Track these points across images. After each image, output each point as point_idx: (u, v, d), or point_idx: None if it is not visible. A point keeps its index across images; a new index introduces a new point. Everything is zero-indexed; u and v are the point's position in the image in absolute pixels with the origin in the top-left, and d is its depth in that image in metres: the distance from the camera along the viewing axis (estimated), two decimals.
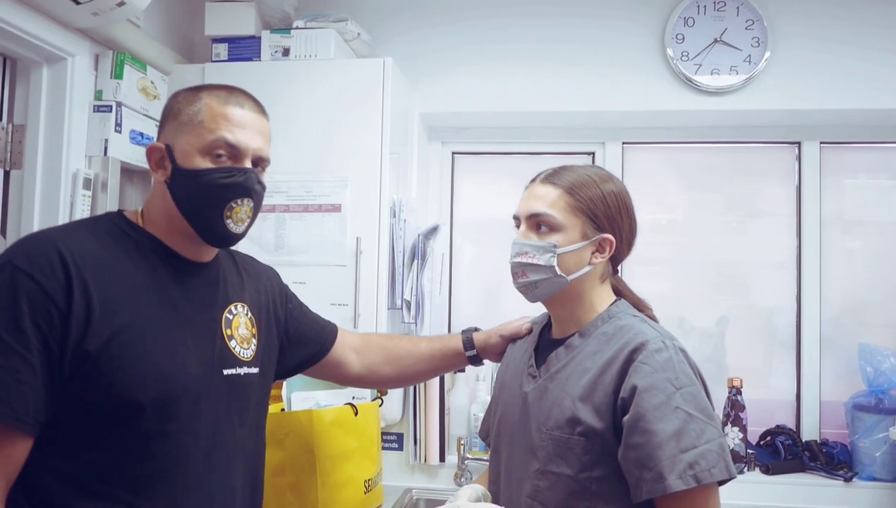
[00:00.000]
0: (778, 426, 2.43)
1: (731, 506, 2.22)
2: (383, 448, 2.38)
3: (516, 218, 1.39)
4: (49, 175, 1.86)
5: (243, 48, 2.23)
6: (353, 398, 2.05)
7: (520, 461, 1.35)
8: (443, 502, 2.29)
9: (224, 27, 2.23)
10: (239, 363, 1.29)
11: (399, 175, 2.28)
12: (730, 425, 2.30)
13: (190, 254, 1.25)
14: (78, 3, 1.71)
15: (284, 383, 2.01)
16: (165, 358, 1.15)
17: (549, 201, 1.32)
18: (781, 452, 2.34)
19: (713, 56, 2.34)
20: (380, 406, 2.13)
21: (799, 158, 2.52)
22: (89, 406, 1.08)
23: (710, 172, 2.58)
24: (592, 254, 1.33)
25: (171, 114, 1.22)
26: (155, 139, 1.26)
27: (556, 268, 1.30)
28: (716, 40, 2.34)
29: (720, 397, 2.39)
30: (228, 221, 1.20)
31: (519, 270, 1.35)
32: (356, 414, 1.96)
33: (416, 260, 2.17)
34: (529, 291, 1.36)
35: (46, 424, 1.07)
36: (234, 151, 1.19)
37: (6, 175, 1.87)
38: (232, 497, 1.26)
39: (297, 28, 2.20)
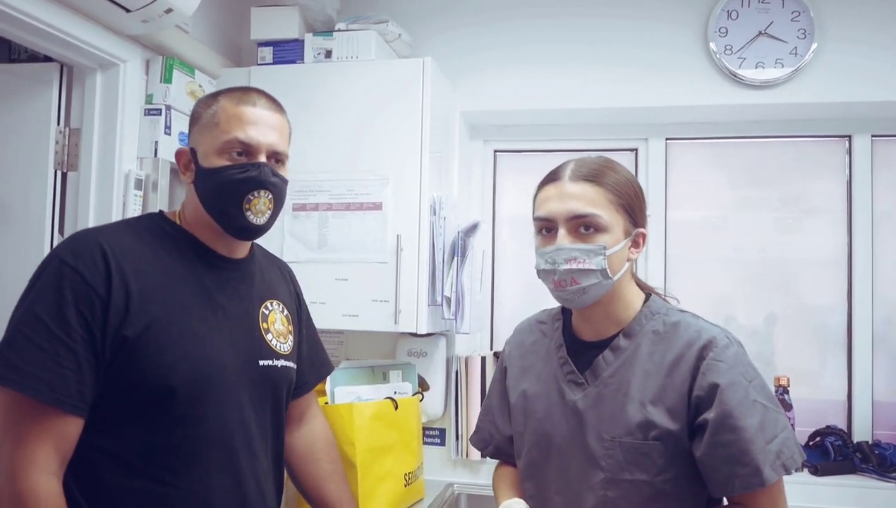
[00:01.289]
0: (828, 426, 2.37)
1: None
2: (425, 443, 2.40)
3: (548, 220, 1.28)
4: (103, 176, 1.94)
5: (287, 51, 2.28)
6: (395, 392, 2.09)
7: (576, 473, 1.29)
8: (488, 498, 2.31)
9: (269, 31, 2.29)
10: (276, 355, 1.37)
11: (441, 173, 2.31)
12: None
13: (223, 249, 1.34)
14: (128, 11, 1.79)
15: (329, 377, 2.05)
16: (199, 345, 1.23)
17: (590, 200, 1.25)
18: (831, 453, 2.29)
19: (757, 49, 2.30)
20: (420, 401, 2.16)
21: (849, 152, 2.45)
22: (128, 388, 1.16)
23: (757, 168, 2.53)
24: (629, 250, 1.29)
25: (194, 119, 1.32)
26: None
27: (608, 271, 1.24)
28: (760, 33, 2.30)
29: None
30: (248, 213, 1.29)
31: (567, 278, 1.24)
32: (396, 408, 2.00)
33: (456, 257, 2.19)
34: (576, 298, 1.27)
35: (94, 405, 1.15)
36: (248, 148, 1.28)
37: (63, 176, 1.96)
38: (261, 481, 1.32)
39: (339, 30, 2.24)
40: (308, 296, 2.13)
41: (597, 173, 1.28)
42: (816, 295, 2.48)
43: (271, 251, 2.18)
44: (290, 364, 1.42)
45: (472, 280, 2.23)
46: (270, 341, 1.37)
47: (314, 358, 1.60)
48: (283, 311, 1.44)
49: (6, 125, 1.95)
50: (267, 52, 2.30)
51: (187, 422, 1.20)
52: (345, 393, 2.04)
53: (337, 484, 1.59)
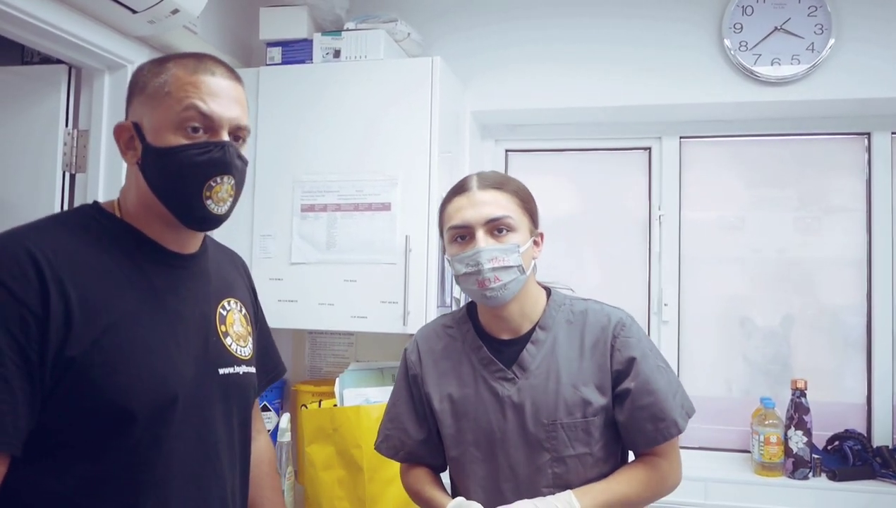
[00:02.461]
0: (847, 430, 2.32)
1: None
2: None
3: (465, 227, 1.38)
4: (111, 178, 1.94)
5: (296, 51, 2.27)
6: None
7: (522, 459, 1.39)
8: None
9: (278, 31, 2.28)
10: (237, 361, 1.21)
11: (451, 174, 2.28)
12: (793, 428, 2.22)
13: (173, 244, 1.14)
14: (134, 12, 1.78)
15: (337, 379, 2.04)
16: (156, 359, 1.06)
17: (501, 204, 1.39)
18: (850, 458, 2.24)
19: (773, 45, 2.26)
20: None
21: (868, 150, 2.40)
22: (77, 416, 0.99)
23: (773, 167, 2.49)
24: (533, 249, 1.44)
25: (137, 89, 1.10)
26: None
27: (522, 267, 1.38)
28: (776, 28, 2.25)
29: (784, 399, 2.31)
30: (209, 201, 1.09)
31: (492, 276, 1.36)
32: None
33: None
34: (499, 294, 1.37)
35: (31, 440, 0.98)
36: (209, 123, 1.08)
37: (72, 178, 1.96)
38: (227, 503, 1.19)
39: (347, 30, 2.23)
40: (316, 298, 2.15)
41: (500, 181, 1.43)
42: (834, 296, 2.43)
43: (279, 253, 2.19)
44: (252, 369, 1.25)
45: None
46: (230, 346, 1.19)
47: (265, 359, 1.40)
48: (241, 310, 1.26)
49: (15, 127, 1.95)
50: (276, 53, 2.29)
51: (143, 449, 1.03)
52: (353, 394, 2.03)
53: None
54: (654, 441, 1.37)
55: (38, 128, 1.94)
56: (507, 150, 2.66)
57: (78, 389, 0.98)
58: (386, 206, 2.12)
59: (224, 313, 1.22)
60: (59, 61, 1.92)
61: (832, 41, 2.22)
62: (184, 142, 1.06)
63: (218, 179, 1.10)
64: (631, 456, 1.47)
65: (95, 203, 1.16)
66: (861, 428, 2.35)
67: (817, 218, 2.45)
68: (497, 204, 1.39)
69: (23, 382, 0.95)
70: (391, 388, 2.08)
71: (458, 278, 1.41)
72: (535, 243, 1.45)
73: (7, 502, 0.98)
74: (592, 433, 1.38)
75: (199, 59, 1.11)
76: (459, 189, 1.43)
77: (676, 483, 1.43)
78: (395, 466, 1.93)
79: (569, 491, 1.33)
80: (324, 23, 2.33)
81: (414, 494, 1.52)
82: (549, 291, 1.50)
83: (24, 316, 0.95)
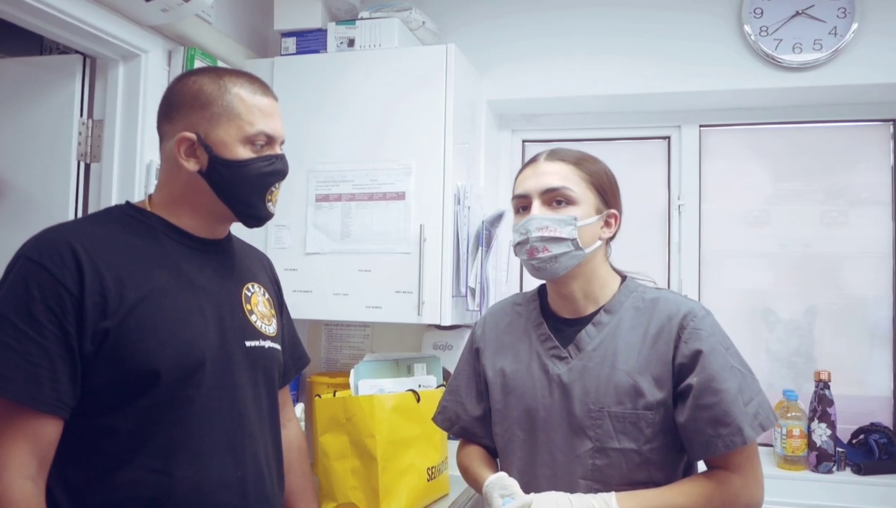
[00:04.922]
0: (872, 423, 2.27)
1: (821, 507, 2.10)
2: (451, 438, 2.36)
3: (523, 197, 1.38)
4: (125, 167, 1.94)
5: (310, 41, 2.27)
6: (419, 385, 2.05)
7: (563, 444, 1.34)
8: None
9: (292, 21, 2.28)
10: (262, 336, 1.33)
11: (467, 165, 2.27)
12: (816, 420, 2.17)
13: (197, 230, 1.29)
14: (147, 1, 1.78)
15: (352, 370, 2.03)
16: (182, 328, 1.19)
17: (563, 175, 1.35)
18: (876, 451, 2.18)
19: (795, 30, 2.21)
20: None
21: (894, 137, 2.34)
22: (114, 378, 1.13)
23: (795, 154, 2.43)
24: (601, 228, 1.38)
25: (198, 104, 1.24)
26: (160, 127, 1.29)
27: (578, 241, 1.33)
28: (797, 13, 2.21)
29: (807, 391, 2.26)
30: (269, 204, 1.30)
31: (540, 245, 1.33)
32: (418, 400, 1.96)
33: (480, 248, 2.14)
34: (548, 266, 1.34)
35: (82, 402, 1.12)
36: (270, 140, 1.28)
37: (87, 168, 1.96)
38: (261, 466, 1.29)
39: (362, 18, 2.22)
40: (331, 288, 2.14)
41: (571, 155, 1.39)
42: (860, 287, 2.37)
43: (294, 243, 2.19)
44: (277, 346, 1.39)
45: (497, 271, 2.18)
46: (255, 322, 1.33)
47: (294, 349, 1.55)
48: (264, 295, 1.41)
49: (31, 117, 1.96)
50: (290, 43, 2.29)
51: (175, 407, 1.17)
52: (368, 385, 2.01)
53: (307, 504, 1.52)
54: (714, 449, 1.25)
55: (53, 118, 1.94)
56: (523, 141, 2.63)
57: (113, 355, 1.12)
58: (400, 196, 2.10)
59: (249, 294, 1.35)
60: (74, 51, 1.93)
61: (855, 25, 2.16)
62: (253, 156, 1.25)
63: (277, 185, 1.31)
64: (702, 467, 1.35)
65: (128, 202, 1.31)
66: (887, 422, 2.29)
67: (842, 209, 2.39)
68: (558, 175, 1.35)
69: (62, 350, 1.09)
70: (406, 379, 2.09)
71: (514, 248, 1.39)
72: (607, 223, 1.39)
73: (63, 460, 1.12)
74: (642, 428, 1.29)
75: (251, 79, 1.29)
76: (530, 161, 1.43)
77: (751, 506, 1.28)
78: (410, 457, 1.92)
79: (612, 494, 1.26)
80: (338, 12, 2.32)
81: (463, 470, 1.52)
82: (624, 278, 1.44)
83: (60, 293, 1.10)
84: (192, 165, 1.24)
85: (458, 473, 2.29)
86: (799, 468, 2.19)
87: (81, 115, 1.95)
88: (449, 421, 1.54)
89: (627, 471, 1.29)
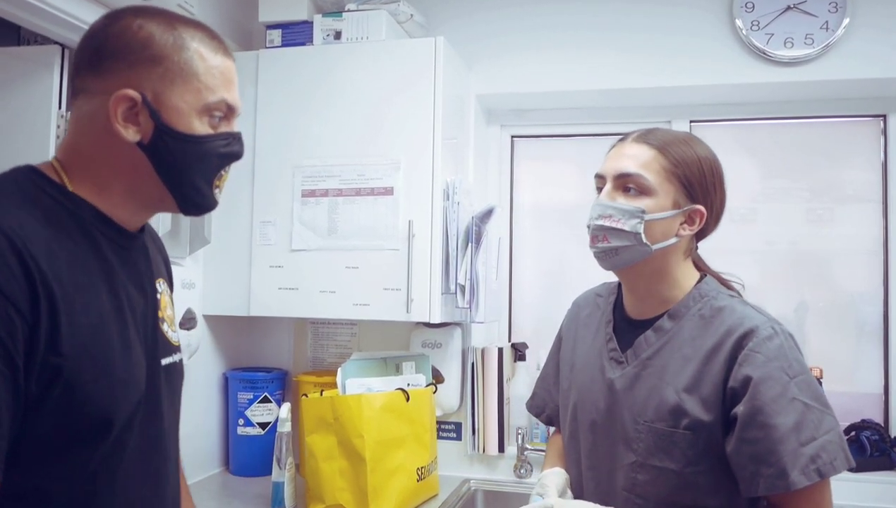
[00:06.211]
0: (864, 420, 2.25)
1: None
2: (440, 438, 2.33)
3: (600, 177, 1.28)
4: None
5: (296, 33, 2.22)
6: (408, 384, 2.02)
7: (608, 451, 1.28)
8: (505, 495, 2.23)
9: (277, 13, 2.23)
10: (174, 349, 1.12)
11: (456, 161, 2.23)
12: None
13: (126, 221, 1.04)
14: None
15: (339, 369, 1.99)
16: (127, 361, 0.97)
17: (641, 161, 1.23)
18: (867, 448, 2.17)
19: (786, 24, 2.19)
20: (434, 393, 2.09)
21: (884, 132, 2.33)
22: (54, 430, 0.89)
23: (786, 150, 2.42)
24: (681, 225, 1.24)
25: (146, 56, 0.97)
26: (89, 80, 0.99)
27: (643, 236, 1.21)
28: (789, 7, 2.18)
29: None
30: (216, 190, 1.07)
31: (599, 233, 1.24)
32: (408, 400, 1.93)
33: (470, 244, 2.11)
34: (608, 258, 1.25)
35: (15, 448, 0.87)
36: (230, 112, 1.05)
37: None
38: (176, 492, 1.15)
39: (348, 10, 2.18)
40: (317, 285, 2.10)
41: (661, 140, 1.25)
42: (850, 283, 2.36)
43: (279, 239, 2.15)
44: (182, 356, 1.17)
45: (487, 267, 2.15)
46: (167, 332, 1.10)
47: None
48: (167, 292, 1.16)
49: (6, 109, 1.90)
50: (276, 35, 2.24)
51: (109, 455, 0.96)
52: (356, 385, 1.97)
53: None
54: (755, 488, 1.12)
55: (31, 111, 1.88)
56: (512, 136, 2.60)
57: (62, 400, 0.87)
58: (388, 191, 2.06)
59: (158, 297, 1.11)
60: (52, 42, 1.87)
61: (847, 20, 2.15)
62: (209, 131, 1.02)
63: (227, 169, 1.07)
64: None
65: (31, 168, 0.99)
66: (878, 419, 2.28)
67: (830, 205, 2.38)
68: (636, 160, 1.23)
69: (6, 394, 0.82)
70: (394, 378, 2.05)
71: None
72: (689, 219, 1.24)
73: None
74: (683, 449, 1.18)
75: (210, 33, 1.04)
76: (621, 138, 1.31)
77: None
78: (399, 457, 1.89)
79: None
80: (324, 4, 2.27)
81: (545, 458, 1.51)
82: (702, 278, 1.30)
83: (11, 317, 0.82)
84: (131, 134, 0.96)
85: (447, 473, 2.28)
86: None
87: (60, 108, 1.89)
88: (538, 407, 1.54)
89: (668, 492, 1.20)
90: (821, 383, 2.16)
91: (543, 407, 1.52)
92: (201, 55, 1.00)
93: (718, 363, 1.18)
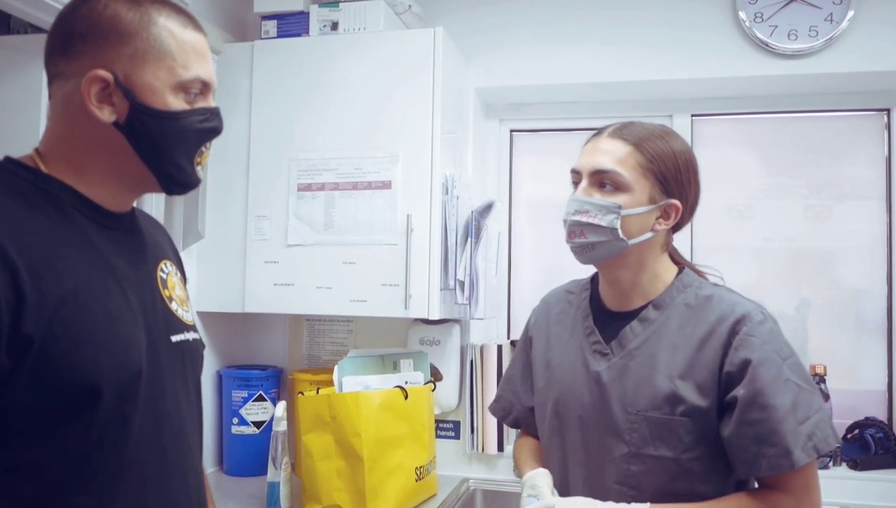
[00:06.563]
0: (867, 418, 2.22)
1: None
2: (439, 437, 2.29)
3: (576, 172, 1.30)
4: None
5: (292, 24, 2.18)
6: (406, 382, 1.98)
7: (598, 445, 1.27)
8: (504, 494, 2.19)
9: (273, 3, 2.19)
10: (185, 327, 1.12)
11: (455, 155, 2.19)
12: None
13: (108, 202, 1.03)
14: None
15: (336, 367, 1.95)
16: (115, 328, 0.96)
17: (617, 158, 1.24)
18: (872, 446, 2.14)
19: (790, 16, 2.15)
20: (432, 391, 2.05)
21: (888, 126, 2.30)
22: (38, 401, 0.89)
23: (789, 144, 2.38)
24: (657, 219, 1.26)
25: (115, 35, 0.97)
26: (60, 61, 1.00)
27: (619, 231, 1.23)
28: None
29: None
30: (198, 167, 1.07)
31: (576, 229, 1.25)
32: (406, 398, 1.89)
33: (469, 239, 2.07)
34: (584, 252, 1.27)
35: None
36: (205, 88, 1.04)
37: None
38: (200, 483, 1.13)
39: (345, 1, 2.13)
40: (314, 281, 2.05)
41: (637, 135, 1.26)
42: (853, 279, 2.33)
43: (275, 234, 2.10)
44: (198, 336, 1.17)
45: (486, 263, 2.11)
46: (176, 310, 1.11)
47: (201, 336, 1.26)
48: (176, 274, 1.18)
49: None
50: (271, 26, 2.20)
51: (111, 428, 0.95)
52: (353, 382, 1.93)
53: None
54: (758, 469, 1.15)
55: (19, 101, 1.83)
56: (511, 130, 2.56)
57: (39, 368, 0.88)
58: (386, 184, 2.02)
59: (164, 276, 1.12)
60: (42, 31, 1.83)
61: (852, 13, 2.12)
62: (186, 107, 1.02)
63: (208, 144, 1.07)
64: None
65: (8, 158, 1.01)
66: (881, 416, 2.25)
67: (834, 200, 2.35)
68: (612, 155, 1.24)
69: None
70: (392, 376, 2.01)
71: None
72: (665, 214, 1.26)
73: None
74: (681, 436, 1.19)
75: (178, 9, 1.03)
76: (596, 132, 1.32)
77: None
78: (397, 456, 1.85)
79: (647, 505, 1.19)
80: None
81: (515, 461, 1.49)
82: (681, 270, 1.32)
83: None
84: (106, 115, 0.97)
85: (446, 472, 2.24)
86: None
87: (49, 98, 1.85)
88: (503, 410, 1.51)
89: (664, 480, 1.21)
90: (824, 380, 2.15)
91: (510, 409, 1.50)
92: (170, 31, 1.00)
93: (713, 349, 1.20)
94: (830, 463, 2.12)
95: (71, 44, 0.98)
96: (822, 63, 2.16)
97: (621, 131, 1.27)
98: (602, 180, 1.24)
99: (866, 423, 2.21)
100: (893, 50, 2.11)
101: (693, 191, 1.30)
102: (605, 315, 1.34)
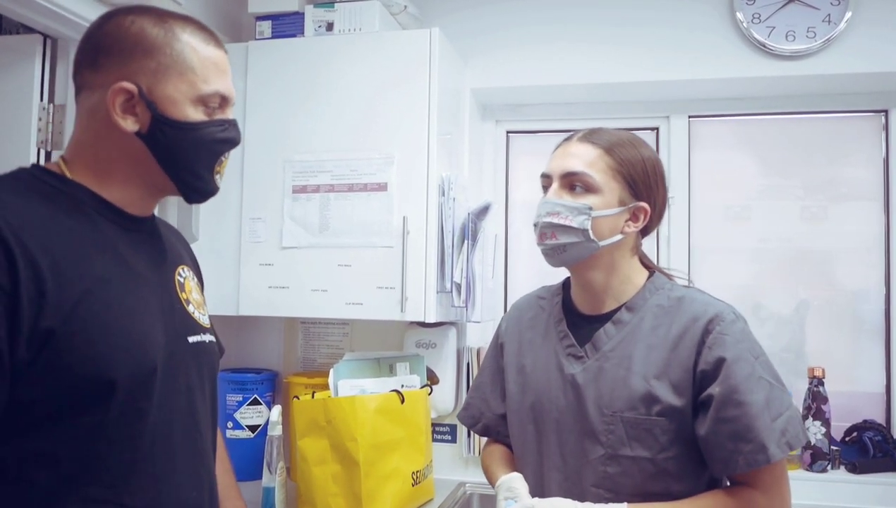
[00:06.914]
0: (865, 420, 2.22)
1: (815, 507, 2.04)
2: (435, 441, 2.27)
3: (547, 176, 1.32)
4: None
5: (287, 24, 2.16)
6: (402, 385, 1.96)
7: (574, 448, 1.28)
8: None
9: (267, 3, 2.16)
10: (202, 329, 1.17)
11: (451, 156, 2.18)
12: (811, 418, 2.11)
13: (130, 206, 1.09)
14: None
15: (332, 370, 1.94)
16: (133, 326, 1.01)
17: (587, 160, 1.27)
18: (870, 449, 2.13)
19: (787, 17, 2.15)
20: (429, 394, 2.04)
21: (886, 127, 2.30)
22: (55, 392, 0.93)
23: (786, 145, 2.38)
24: (626, 221, 1.29)
25: (140, 50, 1.03)
26: (84, 75, 1.06)
27: (590, 232, 1.26)
28: (790, 0, 2.15)
29: (800, 388, 2.21)
30: (217, 176, 1.14)
31: (548, 231, 1.28)
32: (403, 401, 1.88)
33: (466, 241, 2.06)
34: (556, 254, 1.29)
35: (20, 410, 0.92)
36: (224, 102, 1.11)
37: (48, 156, 1.84)
38: (213, 480, 1.17)
39: (340, 1, 2.12)
40: (309, 283, 2.03)
41: (606, 140, 1.29)
42: (850, 281, 2.32)
43: (269, 236, 2.09)
44: (214, 338, 1.22)
45: (483, 265, 2.10)
46: (193, 313, 1.16)
47: (219, 340, 1.34)
48: (193, 278, 1.23)
49: None
50: (265, 27, 2.18)
51: (126, 423, 0.98)
52: (348, 386, 1.92)
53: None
54: (734, 466, 1.17)
55: (11, 103, 1.82)
56: (508, 132, 2.55)
57: (57, 362, 0.92)
58: (382, 186, 2.00)
59: (181, 280, 1.18)
60: (34, 31, 1.80)
61: (849, 14, 2.11)
62: (205, 118, 1.08)
63: (227, 155, 1.14)
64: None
65: (35, 165, 1.08)
66: (879, 419, 2.24)
67: (831, 202, 2.34)
68: (582, 159, 1.27)
69: None
70: (388, 379, 2.00)
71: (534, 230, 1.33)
72: (634, 216, 1.29)
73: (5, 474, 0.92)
74: (657, 436, 1.21)
75: (201, 27, 1.10)
76: (566, 137, 1.35)
77: None
78: (394, 461, 1.83)
79: (624, 505, 1.21)
80: None
81: (484, 469, 1.47)
82: (652, 273, 1.35)
83: None
84: (129, 124, 1.03)
85: (442, 476, 2.22)
86: (793, 467, 2.13)
87: (41, 99, 1.83)
88: (472, 418, 1.50)
89: (641, 481, 1.22)
90: (823, 383, 2.13)
91: (479, 416, 1.50)
92: (193, 47, 1.06)
93: (686, 348, 1.22)
94: (829, 467, 2.11)
95: (97, 57, 1.04)
96: (820, 64, 2.15)
97: (591, 136, 1.30)
98: (573, 182, 1.27)
99: (865, 426, 2.20)
100: (891, 51, 2.11)
101: (661, 195, 1.33)
102: (577, 318, 1.35)
